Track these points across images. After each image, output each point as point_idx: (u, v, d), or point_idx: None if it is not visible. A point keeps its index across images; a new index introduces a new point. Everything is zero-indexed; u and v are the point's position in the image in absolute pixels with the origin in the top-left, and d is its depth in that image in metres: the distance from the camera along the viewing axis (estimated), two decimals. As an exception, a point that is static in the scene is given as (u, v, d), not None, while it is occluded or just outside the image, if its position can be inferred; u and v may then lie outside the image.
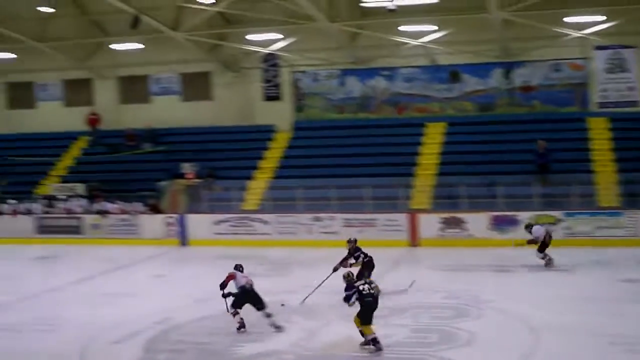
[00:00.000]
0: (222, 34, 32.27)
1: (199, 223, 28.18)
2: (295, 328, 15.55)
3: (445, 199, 26.79)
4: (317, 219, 26.92)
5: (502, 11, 26.50)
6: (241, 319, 15.49)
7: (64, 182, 32.45)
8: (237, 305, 15.62)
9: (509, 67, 31.24)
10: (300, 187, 27.90)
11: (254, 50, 31.52)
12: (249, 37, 30.89)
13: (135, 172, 32.28)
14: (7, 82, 37.19)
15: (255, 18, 29.57)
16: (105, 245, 28.36)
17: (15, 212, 30.63)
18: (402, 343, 14.40)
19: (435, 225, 25.71)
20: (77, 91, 36.27)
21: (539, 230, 21.46)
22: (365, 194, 27.10)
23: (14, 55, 33.72)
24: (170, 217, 28.74)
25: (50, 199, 31.12)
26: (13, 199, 31.31)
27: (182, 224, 28.35)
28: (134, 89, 35.44)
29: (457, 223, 25.72)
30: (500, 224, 25.33)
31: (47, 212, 30.54)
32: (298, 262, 23.74)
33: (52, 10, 29.54)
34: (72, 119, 35.39)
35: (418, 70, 32.05)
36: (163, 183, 30.93)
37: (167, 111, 34.56)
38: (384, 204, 26.86)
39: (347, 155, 30.25)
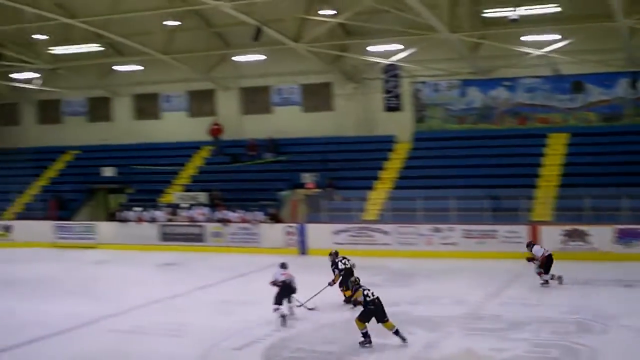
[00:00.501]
0: (343, 45, 32.40)
1: (318, 232, 28.34)
2: (415, 339, 15.42)
3: (568, 211, 26.17)
4: (437, 230, 26.71)
5: (628, 19, 25.73)
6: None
7: (187, 190, 33.18)
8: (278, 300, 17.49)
9: (635, 77, 30.30)
10: (420, 197, 27.74)
11: (375, 61, 31.52)
12: (369, 48, 30.91)
13: (256, 182, 32.71)
14: (133, 94, 38.30)
15: (376, 29, 29.57)
16: (226, 253, 28.84)
17: (140, 220, 31.48)
18: (521, 357, 14.10)
19: (557, 238, 25.12)
20: (201, 102, 37.04)
21: (539, 251, 21.02)
22: (485, 205, 26.75)
23: (141, 67, 34.69)
24: (290, 226, 29.00)
25: (174, 207, 31.86)
26: (138, 206, 32.16)
27: (301, 233, 28.57)
28: (256, 99, 35.93)
29: (580, 235, 25.09)
30: (626, 237, 24.59)
31: (170, 220, 31.27)
32: (418, 273, 23.55)
33: (177, 23, 30.30)
34: (195, 129, 36.17)
35: (540, 81, 31.42)
36: (283, 193, 31.29)
37: (288, 122, 34.89)
38: (505, 216, 26.44)
39: (468, 166, 29.93)
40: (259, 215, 29.78)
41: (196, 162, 35.44)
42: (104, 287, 23.32)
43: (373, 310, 15.16)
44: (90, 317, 18.90)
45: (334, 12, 28.49)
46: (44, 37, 31.99)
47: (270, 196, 30.99)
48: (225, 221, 30.06)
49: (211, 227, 30.16)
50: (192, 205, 31.59)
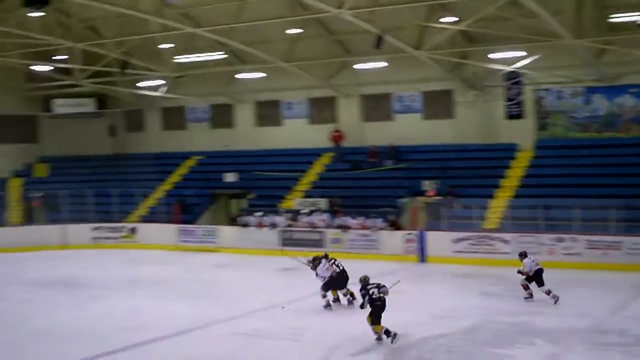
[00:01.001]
0: (464, 53, 32.10)
1: (438, 240, 28.15)
2: (536, 351, 15.15)
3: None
4: (560, 240, 26.14)
5: None
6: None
7: (307, 197, 33.46)
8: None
9: None
10: (542, 206, 27.24)
11: (497, 69, 31.12)
12: (491, 55, 30.50)
13: (376, 189, 32.72)
14: (255, 101, 38.89)
15: (498, 36, 29.20)
16: (345, 259, 28.74)
17: (261, 225, 31.91)
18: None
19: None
20: (322, 109, 37.31)
21: (529, 264, 20.49)
22: (610, 215, 26.03)
23: (263, 75, 35.20)
24: (410, 233, 28.90)
25: (294, 213, 32.18)
26: (259, 211, 32.63)
27: (421, 240, 28.43)
28: (377, 107, 35.94)
29: None
30: None
31: (290, 226, 31.59)
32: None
33: (299, 31, 30.64)
34: (316, 136, 36.46)
35: (669, 88, 30.42)
36: (403, 200, 31.20)
37: (408, 129, 34.76)
38: (631, 227, 25.67)
39: (592, 175, 29.21)
40: (379, 222, 29.78)
41: (317, 168, 35.73)
42: (224, 290, 23.80)
43: (380, 307, 16.41)
44: (210, 319, 19.32)
45: (455, 19, 28.26)
46: (169, 46, 32.83)
47: (390, 203, 30.96)
48: (345, 227, 30.20)
49: (331, 233, 30.34)
50: (312, 211, 31.84)
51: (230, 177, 36.45)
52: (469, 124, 33.49)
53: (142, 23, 29.43)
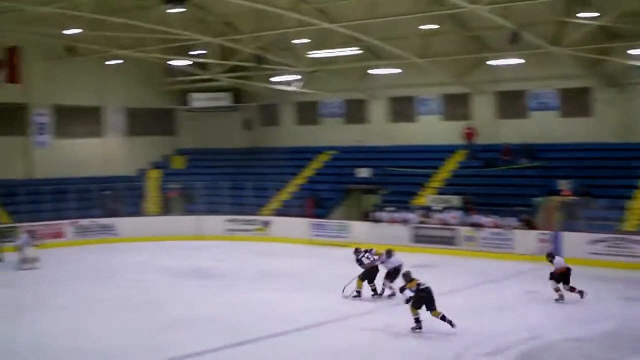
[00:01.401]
0: (604, 49, 31.11)
1: (573, 241, 27.41)
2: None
3: None
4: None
5: None
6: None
7: (439, 194, 33.24)
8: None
9: None
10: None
11: (638, 65, 30.10)
12: (632, 51, 29.52)
13: (510, 187, 32.22)
14: (389, 97, 38.87)
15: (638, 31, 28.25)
16: (478, 258, 28.62)
17: (392, 221, 31.91)
18: None
19: None
20: (455, 105, 36.96)
21: (559, 262, 20.99)
22: None
23: (397, 71, 35.12)
24: (544, 233, 28.32)
25: (426, 210, 32.03)
26: (391, 207, 32.62)
27: (556, 241, 27.77)
28: (512, 104, 35.33)
29: None
30: None
31: (422, 222, 31.47)
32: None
33: (434, 27, 30.44)
34: (450, 132, 36.14)
35: None
36: (538, 199, 30.57)
37: (544, 127, 34.02)
38: None
39: None
40: (512, 220, 29.31)
41: (450, 165, 35.42)
42: (355, 285, 23.83)
43: (425, 297, 17.31)
44: (342, 312, 19.51)
45: (596, 14, 27.47)
46: (305, 41, 33.16)
47: (524, 202, 30.37)
48: (477, 225, 29.86)
49: (463, 230, 30.04)
50: (444, 208, 31.62)
51: (363, 173, 36.56)
52: (607, 122, 32.50)
53: (277, 18, 29.82)
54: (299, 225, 34.25)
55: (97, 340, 17.32)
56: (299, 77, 37.48)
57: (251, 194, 37.14)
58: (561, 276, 20.59)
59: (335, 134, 40.20)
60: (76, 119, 39.61)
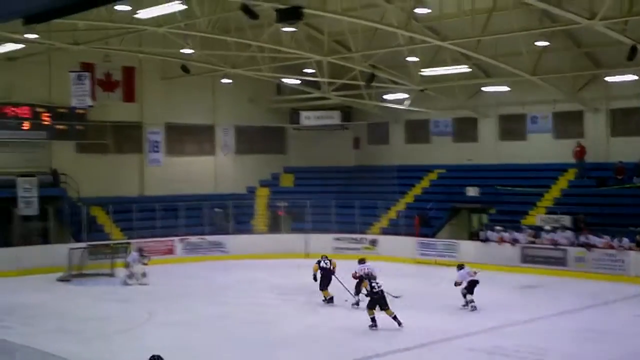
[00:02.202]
0: None
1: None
2: None
3: None
4: None
5: None
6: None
7: (549, 213, 32.54)
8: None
9: None
10: None
11: None
12: None
13: (623, 207, 31.31)
14: (499, 115, 38.33)
15: None
16: (589, 279, 27.85)
17: (501, 240, 31.40)
18: None
19: None
20: (567, 123, 36.14)
21: (461, 275, 22.54)
22: None
23: (507, 88, 34.63)
24: (660, 255, 27.38)
25: (536, 230, 31.39)
26: (500, 227, 32.10)
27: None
28: (628, 121, 34.32)
29: None
30: None
31: (532, 242, 30.87)
32: None
33: (546, 43, 29.89)
34: (561, 151, 35.33)
35: None
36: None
37: (660, 145, 33.00)
38: None
39: None
40: (626, 241, 28.43)
41: (561, 184, 34.64)
42: (461, 305, 23.55)
43: (377, 299, 19.92)
44: (448, 333, 19.24)
45: None
46: (415, 59, 33.05)
47: (639, 222, 29.46)
48: (589, 246, 29.07)
49: (574, 251, 29.30)
50: (555, 228, 30.93)
51: (472, 192, 36.08)
52: None
53: (388, 36, 29.86)
54: (406, 244, 34.05)
55: (206, 357, 17.55)
56: (408, 95, 37.35)
57: (359, 213, 37.12)
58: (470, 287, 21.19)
59: (445, 152, 39.85)
60: (188, 137, 40.54)
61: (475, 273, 22.69)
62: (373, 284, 20.27)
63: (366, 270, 22.44)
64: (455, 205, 36.57)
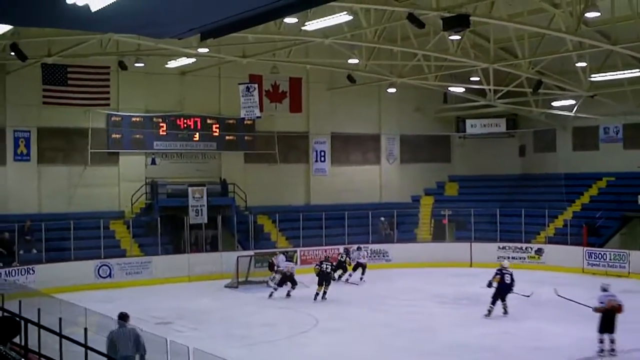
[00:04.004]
0: None
1: None
2: None
3: None
4: None
5: None
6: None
7: None
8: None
9: None
10: None
11: None
12: None
13: None
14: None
15: None
16: None
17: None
18: None
19: None
20: None
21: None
22: None
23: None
24: None
25: None
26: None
27: None
28: None
29: None
30: None
31: None
32: None
33: None
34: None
35: None
36: None
37: None
38: None
39: None
40: None
41: None
42: (631, 317, 22.65)
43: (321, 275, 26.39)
44: (617, 346, 18.62)
45: None
46: (584, 64, 32.24)
47: None
48: None
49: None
50: None
51: (644, 200, 34.82)
52: None
53: (556, 42, 29.28)
54: (574, 253, 33.26)
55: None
56: (575, 101, 36.46)
57: (524, 221, 36.48)
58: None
59: (614, 159, 38.53)
60: (353, 147, 40.99)
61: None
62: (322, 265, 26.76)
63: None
64: (626, 214, 35.32)
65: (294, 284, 27.30)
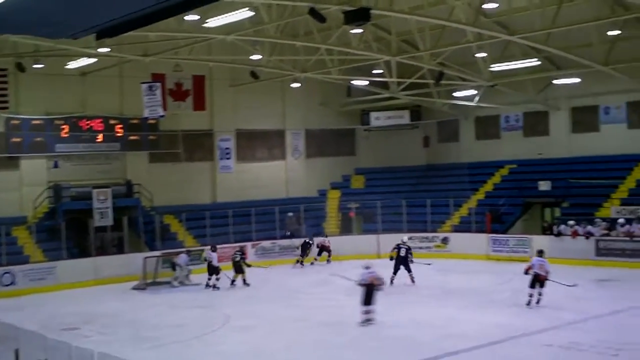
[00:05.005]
0: None
1: None
2: None
3: None
4: None
5: None
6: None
7: (624, 204, 32.02)
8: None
9: None
10: None
11: None
12: None
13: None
14: (571, 107, 37.81)
15: None
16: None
17: (574, 234, 30.98)
18: None
19: None
20: (643, 113, 35.56)
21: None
22: None
23: (578, 80, 34.14)
24: None
25: (611, 222, 30.90)
26: (573, 220, 31.66)
27: None
28: None
29: None
30: None
31: (606, 235, 30.41)
32: None
33: (618, 32, 29.39)
34: (636, 141, 34.70)
35: None
36: None
37: None
38: None
39: None
40: None
41: (636, 175, 33.97)
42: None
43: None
44: (523, 329, 19.10)
45: None
46: (484, 55, 32.80)
47: None
48: (666, 238, 28.60)
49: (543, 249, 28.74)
50: (630, 219, 30.40)
51: (543, 186, 35.67)
52: None
53: (456, 33, 29.71)
54: (478, 241, 33.87)
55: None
56: (476, 91, 37.10)
57: (430, 211, 36.96)
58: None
59: (515, 147, 39.42)
60: (258, 143, 40.88)
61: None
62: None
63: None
64: (528, 200, 36.22)
65: (217, 273, 28.55)
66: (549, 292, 22.41)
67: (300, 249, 34.71)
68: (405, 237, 29.45)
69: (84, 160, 35.03)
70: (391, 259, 27.61)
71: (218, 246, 30.26)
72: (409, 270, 27.27)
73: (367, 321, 20.55)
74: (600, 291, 24.86)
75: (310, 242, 34.83)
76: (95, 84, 34.58)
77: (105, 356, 12.02)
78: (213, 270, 28.72)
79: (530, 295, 22.10)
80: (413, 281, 27.25)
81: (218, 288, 28.35)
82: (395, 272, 27.20)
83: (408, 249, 27.56)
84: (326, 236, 35.61)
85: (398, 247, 27.62)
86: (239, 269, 28.67)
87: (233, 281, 28.67)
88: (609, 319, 20.19)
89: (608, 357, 16.19)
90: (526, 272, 22.39)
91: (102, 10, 7.02)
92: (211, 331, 21.05)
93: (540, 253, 23.00)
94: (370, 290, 20.89)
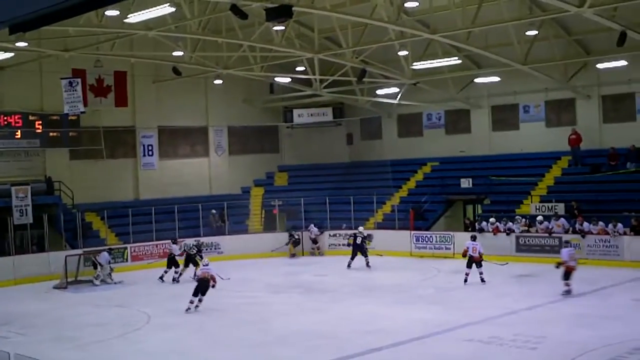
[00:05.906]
0: None
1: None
2: None
3: None
4: None
5: None
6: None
7: (544, 201, 32.65)
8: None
9: None
10: None
11: None
12: None
13: (617, 193, 31.42)
14: (492, 105, 38.36)
15: None
16: (584, 266, 27.79)
17: (496, 230, 31.46)
18: None
19: None
20: (559, 111, 36.25)
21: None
22: None
23: (498, 79, 34.70)
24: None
25: (530, 219, 31.46)
26: (495, 217, 32.15)
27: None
28: (618, 107, 34.43)
29: None
30: None
31: (526, 231, 30.96)
32: None
33: (536, 32, 29.95)
34: (554, 139, 35.40)
35: None
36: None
37: (653, 130, 33.05)
38: None
39: None
40: (620, 227, 28.51)
41: (554, 172, 34.72)
42: (459, 296, 23.69)
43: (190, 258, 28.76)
44: (445, 325, 19.29)
45: None
46: (406, 53, 33.08)
47: (634, 207, 29.56)
48: (583, 233, 29.15)
49: (569, 238, 29.30)
50: (549, 216, 31.01)
51: (465, 183, 36.14)
52: None
53: (379, 31, 29.88)
54: (402, 238, 34.07)
55: (205, 358, 17.59)
56: (399, 89, 37.40)
57: (354, 208, 37.07)
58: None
59: (438, 145, 39.88)
60: (181, 140, 40.56)
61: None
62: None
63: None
64: (450, 198, 36.70)
65: (177, 267, 29.28)
66: (471, 289, 22.68)
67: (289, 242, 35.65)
68: (361, 227, 32.27)
69: (2, 157, 34.18)
70: (349, 245, 31.65)
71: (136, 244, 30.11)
72: (365, 256, 30.54)
73: (189, 309, 22.66)
74: (521, 286, 25.28)
75: (297, 236, 35.67)
76: (13, 79, 33.81)
77: (22, 358, 11.75)
78: (173, 263, 29.23)
79: (467, 274, 25.40)
80: (368, 265, 30.43)
81: (178, 281, 28.57)
82: (352, 258, 30.61)
83: (363, 238, 30.91)
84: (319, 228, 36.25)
85: (354, 236, 31.22)
86: (193, 262, 28.54)
87: (180, 274, 29.00)
88: (528, 314, 20.51)
89: (527, 351, 16.45)
90: (464, 255, 25.95)
91: (13, 3, 6.83)
92: (133, 330, 20.78)
93: (474, 238, 26.57)
94: (201, 284, 22.83)
